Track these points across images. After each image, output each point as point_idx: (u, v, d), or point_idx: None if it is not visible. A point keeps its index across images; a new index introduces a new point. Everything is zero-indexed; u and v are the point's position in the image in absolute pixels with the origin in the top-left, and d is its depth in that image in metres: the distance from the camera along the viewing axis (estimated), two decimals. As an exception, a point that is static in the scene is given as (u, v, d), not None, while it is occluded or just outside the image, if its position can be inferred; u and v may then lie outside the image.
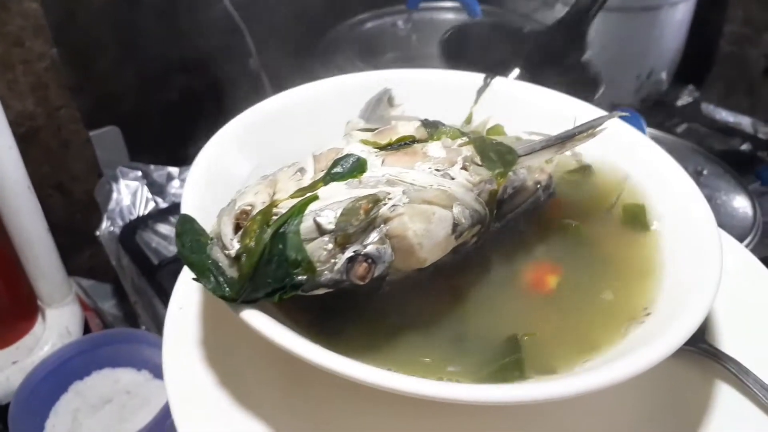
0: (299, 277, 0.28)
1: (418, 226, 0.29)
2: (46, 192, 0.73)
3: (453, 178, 0.32)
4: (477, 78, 0.46)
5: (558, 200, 0.39)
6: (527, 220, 0.38)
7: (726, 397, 0.34)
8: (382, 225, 0.29)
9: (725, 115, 1.01)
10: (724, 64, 1.13)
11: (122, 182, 0.84)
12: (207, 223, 0.30)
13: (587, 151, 0.41)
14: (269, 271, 0.28)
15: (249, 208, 0.29)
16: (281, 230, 0.28)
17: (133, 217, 0.82)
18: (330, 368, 0.26)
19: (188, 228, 0.30)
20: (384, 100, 0.43)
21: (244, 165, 0.37)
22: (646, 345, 0.28)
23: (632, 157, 0.40)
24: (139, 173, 0.85)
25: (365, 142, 0.33)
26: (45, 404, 0.65)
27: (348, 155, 0.31)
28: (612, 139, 0.39)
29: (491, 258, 0.36)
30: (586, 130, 0.36)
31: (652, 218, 0.38)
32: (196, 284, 0.29)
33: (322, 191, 0.29)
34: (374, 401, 0.32)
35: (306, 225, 0.28)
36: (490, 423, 0.34)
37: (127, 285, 0.79)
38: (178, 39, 0.86)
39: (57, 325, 0.71)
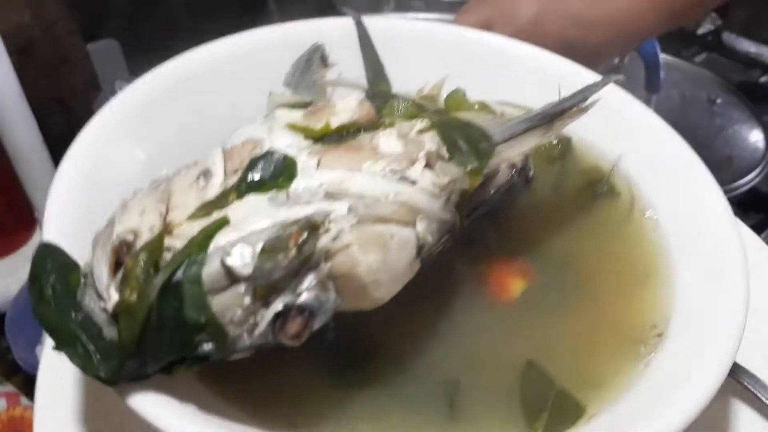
0: (204, 346, 0.20)
1: (371, 259, 0.22)
2: (46, 107, 0.73)
3: (414, 182, 0.24)
4: (431, 26, 0.39)
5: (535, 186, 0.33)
6: (500, 212, 0.31)
7: (742, 415, 0.30)
8: (322, 262, 0.21)
9: (747, 46, 0.98)
10: (750, -8, 1.08)
11: (121, 97, 0.83)
12: (83, 247, 0.22)
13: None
14: (161, 339, 0.20)
15: (132, 236, 0.21)
16: (175, 279, 0.20)
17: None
18: None
19: (49, 266, 0.22)
20: (315, 59, 0.35)
21: (137, 157, 0.28)
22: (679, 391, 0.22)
23: (624, 130, 0.34)
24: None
25: (293, 127, 0.26)
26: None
27: (269, 153, 0.24)
28: (599, 108, 0.30)
29: (452, 265, 0.29)
30: (577, 104, 0.29)
31: (647, 207, 0.32)
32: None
33: (234, 210, 0.22)
34: None
35: (211, 269, 0.20)
36: None
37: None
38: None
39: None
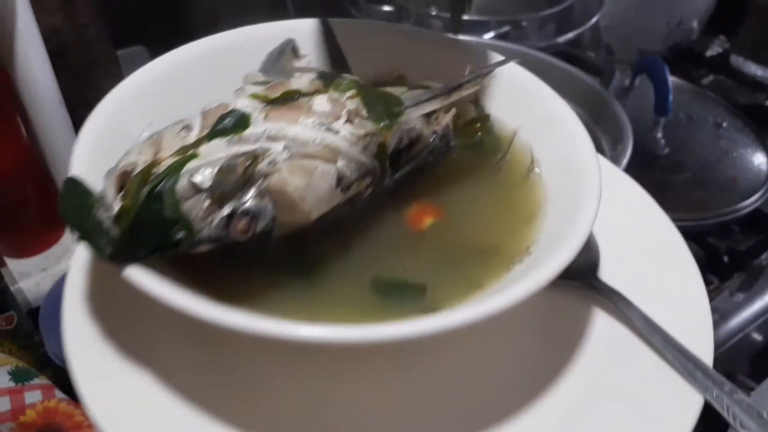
0: (178, 235, 0.30)
1: (298, 181, 0.31)
2: (75, 110, 0.76)
3: (337, 132, 0.34)
4: (390, 27, 0.47)
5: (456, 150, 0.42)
6: (424, 170, 0.40)
7: (610, 326, 0.38)
8: (261, 180, 0.31)
9: (754, 69, 1.01)
10: (759, 16, 1.11)
11: (148, 102, 0.86)
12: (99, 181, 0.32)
13: (488, 99, 0.43)
14: (147, 230, 0.30)
15: (131, 167, 0.31)
16: (157, 189, 0.29)
17: (158, 135, 0.84)
18: (207, 320, 0.28)
19: (73, 191, 0.32)
20: (287, 51, 0.44)
21: (140, 123, 0.37)
22: (523, 279, 0.30)
23: (526, 103, 0.42)
24: (165, 94, 0.87)
25: (255, 96, 0.35)
26: (73, 309, 0.69)
27: (232, 111, 0.33)
28: (509, 86, 0.41)
29: (383, 206, 0.38)
30: (474, 79, 0.38)
31: (539, 164, 0.40)
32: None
33: (202, 149, 0.31)
34: (280, 356, 0.35)
35: (182, 184, 0.30)
36: (378, 366, 0.37)
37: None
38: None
39: None
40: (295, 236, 0.33)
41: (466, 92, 0.38)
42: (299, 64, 0.43)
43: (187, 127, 0.33)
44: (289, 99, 0.35)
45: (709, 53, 1.06)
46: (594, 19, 0.87)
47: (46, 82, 0.66)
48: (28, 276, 0.72)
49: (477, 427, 0.34)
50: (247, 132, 0.32)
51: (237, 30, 0.44)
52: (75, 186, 0.32)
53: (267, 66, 0.43)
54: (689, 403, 0.34)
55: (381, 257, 0.36)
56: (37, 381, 0.58)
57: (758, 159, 0.78)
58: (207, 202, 0.29)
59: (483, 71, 0.39)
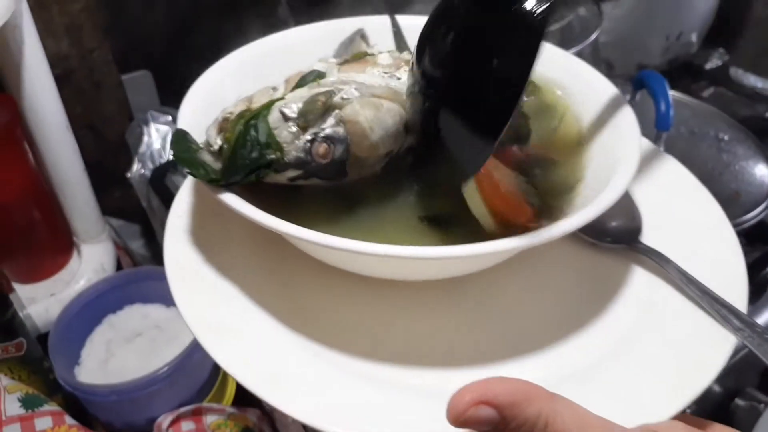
0: (270, 156, 0.36)
1: (368, 113, 0.37)
2: (79, 133, 0.77)
3: (399, 79, 0.39)
4: None
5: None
6: None
7: (651, 281, 0.41)
8: (337, 110, 0.36)
9: (754, 81, 1.02)
10: (758, 28, 1.12)
11: (153, 126, 0.88)
12: (200, 139, 0.38)
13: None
14: (245, 153, 0.35)
15: (230, 115, 0.37)
16: (253, 120, 0.36)
17: (164, 160, 0.85)
18: (288, 233, 0.33)
19: (182, 138, 0.38)
20: (357, 39, 0.50)
21: (232, 95, 0.43)
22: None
23: (566, 74, 0.47)
24: (170, 118, 0.89)
25: (328, 61, 0.42)
26: (81, 334, 0.71)
27: (312, 71, 0.40)
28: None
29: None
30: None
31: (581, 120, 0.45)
32: (191, 197, 0.42)
33: (288, 95, 0.38)
34: (350, 282, 0.40)
35: (273, 116, 0.36)
36: (433, 297, 0.41)
37: (156, 226, 0.83)
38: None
39: (92, 261, 0.77)
40: (362, 185, 0.39)
41: None
42: (369, 51, 0.48)
43: (274, 88, 0.40)
44: (358, 58, 0.41)
45: (708, 66, 1.08)
46: (593, 36, 0.88)
47: (52, 107, 0.68)
48: (37, 301, 0.73)
49: (523, 355, 0.37)
50: (324, 80, 0.38)
51: (315, 24, 0.50)
52: (183, 136, 0.38)
53: (339, 51, 0.49)
54: (723, 342, 0.37)
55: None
56: (47, 407, 0.59)
57: (761, 171, 0.79)
58: (294, 128, 0.35)
59: None
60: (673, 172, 0.49)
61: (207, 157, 0.36)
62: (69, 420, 0.61)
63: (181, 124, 0.39)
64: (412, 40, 0.50)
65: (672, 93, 0.81)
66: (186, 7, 0.96)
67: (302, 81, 0.39)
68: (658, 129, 0.79)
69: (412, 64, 0.38)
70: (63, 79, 0.85)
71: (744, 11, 1.18)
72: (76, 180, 0.75)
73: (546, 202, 0.40)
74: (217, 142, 0.35)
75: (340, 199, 0.39)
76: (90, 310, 0.74)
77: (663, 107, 0.78)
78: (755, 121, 0.94)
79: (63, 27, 0.86)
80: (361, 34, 0.50)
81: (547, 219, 0.38)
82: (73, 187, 0.75)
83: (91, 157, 0.90)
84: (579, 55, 0.87)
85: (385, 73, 0.39)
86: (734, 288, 0.40)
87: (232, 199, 0.35)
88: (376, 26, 0.51)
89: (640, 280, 0.42)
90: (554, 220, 0.36)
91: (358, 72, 0.39)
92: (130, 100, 0.96)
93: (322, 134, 0.36)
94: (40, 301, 0.74)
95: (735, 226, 0.71)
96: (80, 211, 0.78)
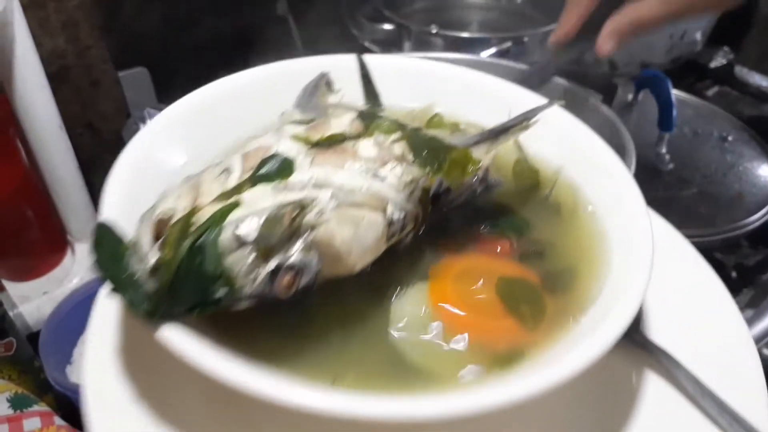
0: (219, 292, 0.28)
1: (345, 232, 0.29)
2: (76, 130, 0.76)
3: (384, 179, 0.32)
4: (421, 63, 0.47)
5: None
6: (463, 213, 0.38)
7: (657, 389, 0.36)
8: (307, 232, 0.29)
9: (759, 80, 1.00)
10: (763, 26, 1.10)
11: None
12: (133, 224, 0.30)
13: (527, 140, 0.42)
14: (187, 285, 0.27)
15: (169, 214, 0.29)
16: (199, 242, 0.27)
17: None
18: (245, 389, 0.26)
19: (105, 237, 0.30)
20: (321, 85, 0.43)
21: (176, 160, 0.36)
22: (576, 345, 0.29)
23: (569, 146, 0.41)
24: (167, 116, 0.87)
25: (296, 137, 0.33)
26: (73, 333, 0.69)
27: (275, 155, 0.31)
28: (550, 127, 0.40)
29: (421, 253, 0.36)
30: (520, 123, 0.37)
31: (586, 205, 0.39)
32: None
33: (246, 195, 0.29)
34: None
35: (225, 236, 0.28)
36: None
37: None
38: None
39: (85, 260, 0.75)
40: (330, 285, 0.32)
41: (512, 137, 0.37)
42: (333, 98, 0.43)
43: (227, 170, 0.31)
44: (334, 142, 0.33)
45: (713, 65, 1.05)
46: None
47: (45, 106, 0.66)
48: (29, 300, 0.71)
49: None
50: (293, 178, 0.30)
51: (269, 65, 0.43)
52: (106, 233, 0.30)
53: (302, 101, 0.42)
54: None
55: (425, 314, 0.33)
56: (36, 408, 0.57)
57: (765, 172, 0.74)
58: (252, 256, 0.27)
59: (529, 114, 0.37)
60: (670, 243, 0.43)
61: (137, 268, 0.27)
62: (58, 421, 0.60)
63: (107, 212, 0.31)
64: (383, 81, 0.45)
65: (675, 92, 0.79)
66: (183, 4, 0.91)
67: (264, 172, 0.30)
68: (661, 130, 0.77)
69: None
70: (60, 77, 0.84)
71: (749, 10, 1.16)
72: (70, 178, 0.72)
73: (539, 308, 0.34)
74: (151, 258, 0.27)
75: (300, 310, 0.32)
76: (83, 309, 0.71)
77: (666, 108, 0.76)
78: (760, 121, 0.91)
79: (59, 24, 0.84)
80: (326, 80, 0.43)
81: (546, 325, 0.33)
82: (67, 185, 0.72)
83: (87, 154, 0.89)
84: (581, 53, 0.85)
85: (368, 170, 0.32)
86: (751, 393, 0.34)
87: (171, 337, 0.27)
88: (342, 67, 0.44)
89: (646, 386, 0.35)
90: (557, 324, 0.32)
91: (335, 167, 0.31)
92: (126, 98, 0.95)
93: (287, 263, 0.28)
94: (33, 300, 0.71)
95: (738, 228, 0.70)
96: (74, 209, 0.74)
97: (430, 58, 0.72)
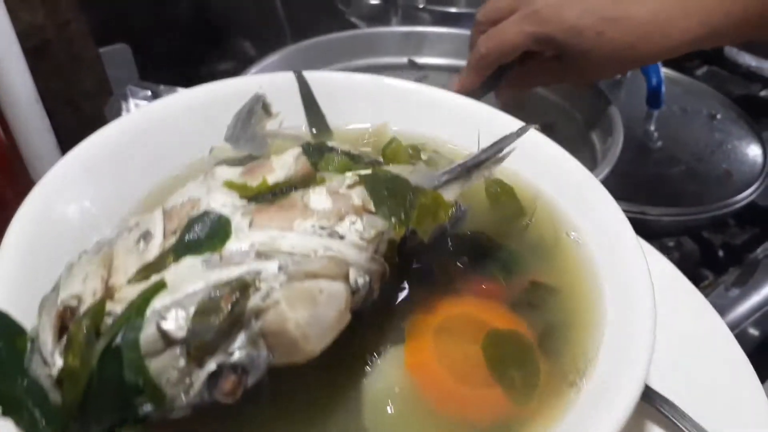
0: (144, 407, 0.21)
1: (300, 314, 0.23)
2: (58, 107, 0.74)
3: (342, 237, 0.25)
4: (368, 78, 0.42)
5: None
6: (436, 251, 0.33)
7: None
8: (253, 320, 0.22)
9: (748, 59, 0.99)
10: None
11: (132, 101, 0.84)
12: (32, 308, 0.23)
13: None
14: (103, 402, 0.21)
15: (75, 302, 0.22)
16: (114, 344, 0.21)
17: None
18: None
19: None
20: (257, 110, 0.37)
21: (84, 215, 0.29)
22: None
23: (548, 172, 0.37)
24: (149, 93, 0.85)
25: (230, 185, 0.27)
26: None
27: (205, 214, 0.25)
28: (526, 152, 0.34)
29: (392, 310, 0.30)
30: (494, 155, 0.31)
31: (569, 230, 0.35)
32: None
33: (171, 273, 0.23)
34: None
35: (147, 333, 0.21)
36: None
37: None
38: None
39: None
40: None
41: (486, 172, 0.31)
42: (272, 124, 0.37)
43: (146, 235, 0.25)
44: (278, 193, 0.27)
45: (702, 44, 1.05)
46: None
47: (22, 82, 0.64)
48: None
49: None
50: (229, 246, 0.24)
51: (198, 88, 0.37)
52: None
53: (236, 132, 0.35)
54: None
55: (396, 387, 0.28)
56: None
57: (753, 151, 0.73)
58: (182, 361, 0.21)
59: (503, 144, 0.31)
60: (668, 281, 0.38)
61: (40, 373, 0.21)
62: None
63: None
64: (326, 100, 0.40)
65: (664, 70, 0.78)
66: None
67: (192, 237, 0.24)
68: (650, 107, 0.76)
69: None
70: (39, 52, 0.82)
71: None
72: (48, 155, 0.69)
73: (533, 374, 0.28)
74: (56, 362, 0.21)
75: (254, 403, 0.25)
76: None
77: (654, 85, 0.75)
78: (749, 100, 0.91)
79: (39, -2, 0.83)
80: (262, 103, 0.37)
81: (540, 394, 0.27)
82: (45, 162, 0.68)
83: (69, 132, 0.87)
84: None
85: (323, 228, 0.25)
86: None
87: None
88: (280, 87, 0.38)
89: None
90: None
91: (282, 228, 0.25)
92: (108, 75, 0.93)
93: (229, 362, 0.22)
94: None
95: (726, 206, 0.69)
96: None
97: (417, 33, 0.71)
